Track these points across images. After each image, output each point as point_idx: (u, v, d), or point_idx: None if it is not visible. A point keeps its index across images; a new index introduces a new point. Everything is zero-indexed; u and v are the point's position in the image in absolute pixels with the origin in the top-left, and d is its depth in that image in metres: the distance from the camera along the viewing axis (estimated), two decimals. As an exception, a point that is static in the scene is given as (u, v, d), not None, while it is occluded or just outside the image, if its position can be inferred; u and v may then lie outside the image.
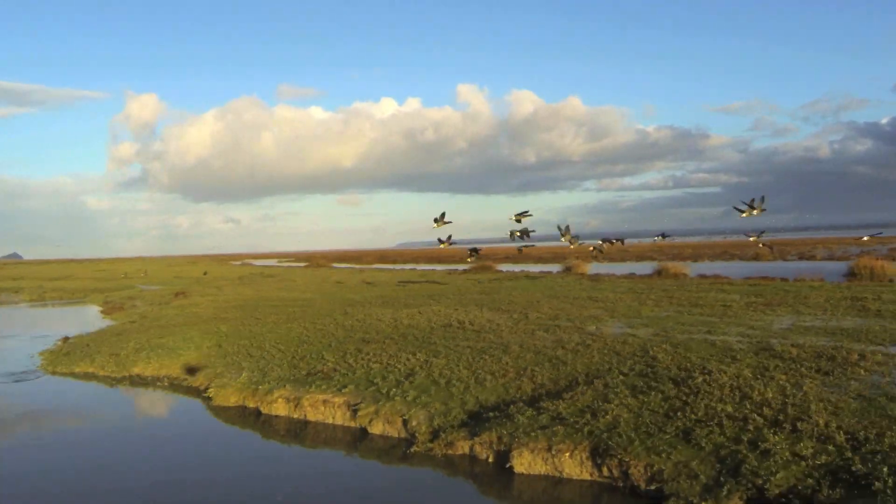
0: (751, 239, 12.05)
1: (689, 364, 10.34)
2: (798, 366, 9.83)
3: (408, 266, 63.66)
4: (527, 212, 11.42)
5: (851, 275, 31.52)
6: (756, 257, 49.60)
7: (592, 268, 44.14)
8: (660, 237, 17.17)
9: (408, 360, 12.36)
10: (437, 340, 13.92)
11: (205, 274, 53.30)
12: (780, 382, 9.02)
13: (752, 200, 10.39)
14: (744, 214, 10.53)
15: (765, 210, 10.59)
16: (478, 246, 13.76)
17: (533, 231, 11.50)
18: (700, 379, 9.42)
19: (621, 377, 10.01)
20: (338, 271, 54.13)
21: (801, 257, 47.19)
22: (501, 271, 46.27)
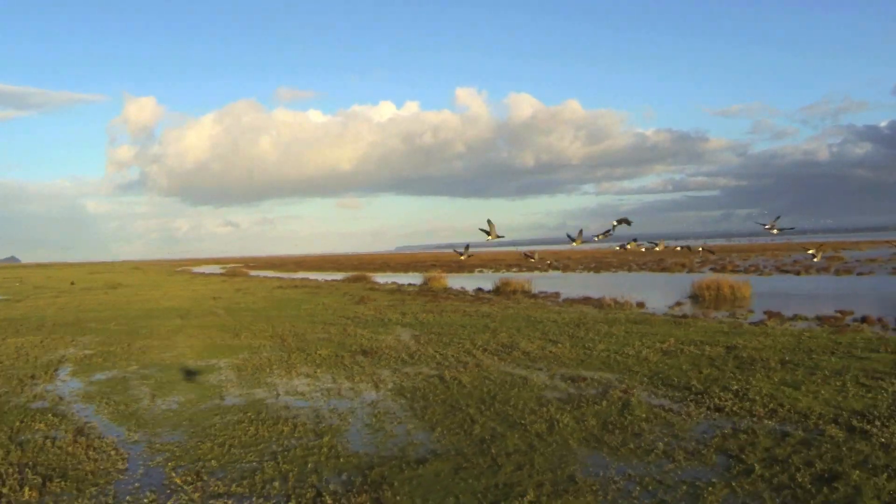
0: (809, 251, 12.66)
1: None
2: None
3: (321, 276, 60.15)
4: (630, 222, 11.30)
5: (693, 297, 26.96)
6: (665, 269, 45.14)
7: (455, 281, 40.30)
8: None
9: None
10: None
11: (72, 284, 50.30)
12: None
13: (778, 219, 10.95)
14: (767, 227, 10.92)
15: (775, 227, 11.02)
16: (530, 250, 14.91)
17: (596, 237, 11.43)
18: None
19: None
20: (214, 283, 50.64)
21: (714, 268, 42.58)
22: (376, 282, 42.60)
